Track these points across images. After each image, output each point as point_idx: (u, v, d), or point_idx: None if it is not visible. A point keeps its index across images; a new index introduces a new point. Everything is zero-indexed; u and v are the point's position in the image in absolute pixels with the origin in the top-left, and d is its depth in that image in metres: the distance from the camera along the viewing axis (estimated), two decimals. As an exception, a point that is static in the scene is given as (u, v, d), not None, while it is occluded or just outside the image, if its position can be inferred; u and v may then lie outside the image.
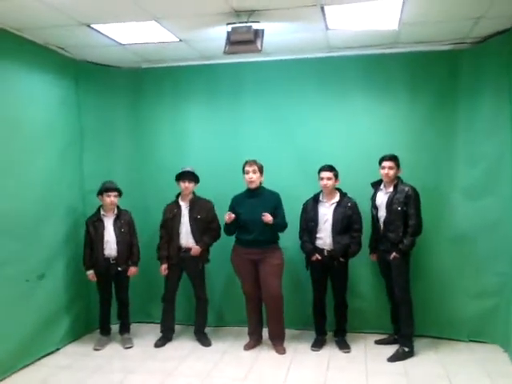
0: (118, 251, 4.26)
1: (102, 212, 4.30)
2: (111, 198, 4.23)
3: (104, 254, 4.23)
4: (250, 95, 4.63)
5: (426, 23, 3.72)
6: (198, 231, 4.27)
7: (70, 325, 4.40)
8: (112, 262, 4.26)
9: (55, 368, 3.89)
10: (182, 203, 4.33)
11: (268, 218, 3.96)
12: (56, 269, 4.25)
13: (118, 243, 4.26)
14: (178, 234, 4.28)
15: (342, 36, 4.01)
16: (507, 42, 3.88)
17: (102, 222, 4.27)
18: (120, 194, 4.30)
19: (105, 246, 4.24)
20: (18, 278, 3.79)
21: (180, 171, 4.27)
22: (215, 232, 4.34)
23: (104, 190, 4.22)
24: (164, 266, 4.31)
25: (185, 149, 4.78)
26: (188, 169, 4.27)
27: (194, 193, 4.34)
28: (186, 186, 4.24)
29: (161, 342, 4.38)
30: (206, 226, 4.30)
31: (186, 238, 4.28)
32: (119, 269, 4.27)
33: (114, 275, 4.30)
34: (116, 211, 4.33)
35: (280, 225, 4.11)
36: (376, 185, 4.11)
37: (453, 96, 4.25)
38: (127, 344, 4.36)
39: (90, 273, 4.28)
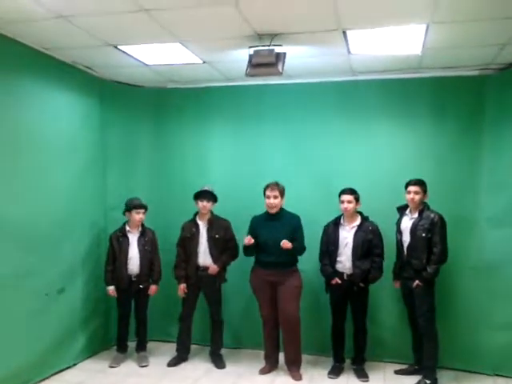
0: (141, 268, 4.28)
1: (127, 228, 4.33)
2: (140, 215, 4.27)
3: (127, 270, 4.26)
4: (272, 117, 4.65)
5: (450, 49, 3.68)
6: (216, 250, 4.27)
7: (87, 340, 4.43)
8: (134, 279, 4.27)
9: (69, 384, 3.91)
10: (200, 222, 4.33)
11: (287, 245, 3.92)
12: (76, 284, 4.29)
13: (141, 260, 4.29)
14: (196, 254, 4.27)
15: (365, 60, 3.99)
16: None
17: (126, 237, 4.31)
18: (146, 210, 4.35)
19: (128, 262, 4.26)
20: (38, 291, 3.84)
21: (198, 190, 4.28)
22: (233, 251, 4.33)
23: (133, 206, 4.25)
24: (182, 286, 4.30)
25: (206, 168, 4.81)
26: (206, 188, 4.28)
27: (211, 212, 4.35)
28: (204, 205, 4.25)
29: (174, 362, 4.35)
30: (224, 245, 4.30)
31: (204, 257, 4.28)
32: (141, 286, 4.29)
33: (135, 292, 4.31)
34: (141, 228, 4.36)
35: (298, 249, 4.06)
36: (402, 209, 4.03)
37: (478, 122, 4.16)
38: (143, 362, 4.34)
39: (111, 288, 4.30)
